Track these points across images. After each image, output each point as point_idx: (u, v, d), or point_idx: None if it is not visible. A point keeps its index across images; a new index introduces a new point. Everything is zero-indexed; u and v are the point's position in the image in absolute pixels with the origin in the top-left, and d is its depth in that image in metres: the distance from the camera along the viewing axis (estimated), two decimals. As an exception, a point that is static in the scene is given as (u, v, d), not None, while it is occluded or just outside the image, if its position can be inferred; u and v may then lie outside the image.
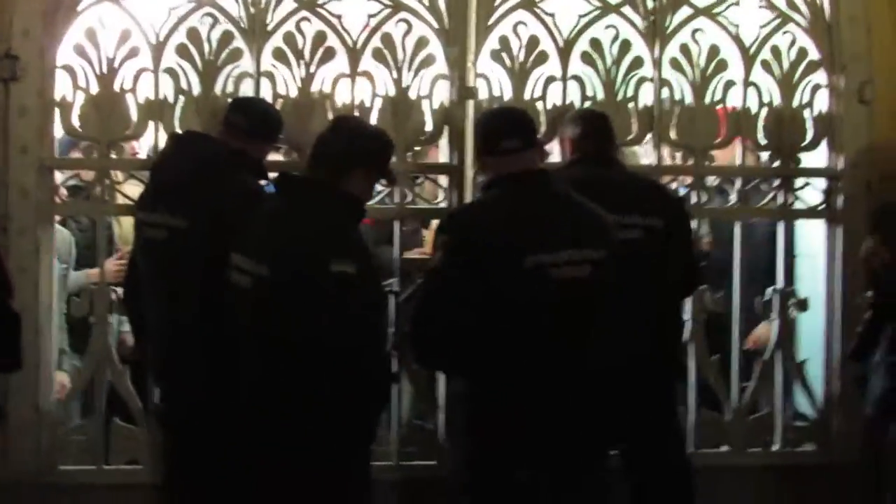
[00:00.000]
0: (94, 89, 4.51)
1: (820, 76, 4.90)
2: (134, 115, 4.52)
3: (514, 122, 3.69)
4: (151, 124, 4.53)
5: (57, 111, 4.51)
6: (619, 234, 3.63)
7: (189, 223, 3.85)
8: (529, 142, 3.64)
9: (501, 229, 3.43)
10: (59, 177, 4.64)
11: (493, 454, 3.49)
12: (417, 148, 4.71)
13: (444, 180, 4.74)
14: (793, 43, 4.87)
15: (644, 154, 5.19)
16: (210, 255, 3.68)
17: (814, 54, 4.89)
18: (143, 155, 4.97)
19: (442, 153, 4.86)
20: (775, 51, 4.87)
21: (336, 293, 3.32)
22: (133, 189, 4.52)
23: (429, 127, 4.67)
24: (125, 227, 5.06)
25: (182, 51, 4.54)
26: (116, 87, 4.51)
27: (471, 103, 4.65)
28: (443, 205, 4.73)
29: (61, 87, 4.51)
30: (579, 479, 3.58)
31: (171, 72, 4.54)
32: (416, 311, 3.55)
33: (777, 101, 4.88)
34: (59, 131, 4.58)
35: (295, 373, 3.38)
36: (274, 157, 4.60)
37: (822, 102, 4.91)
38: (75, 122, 4.51)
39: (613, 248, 3.55)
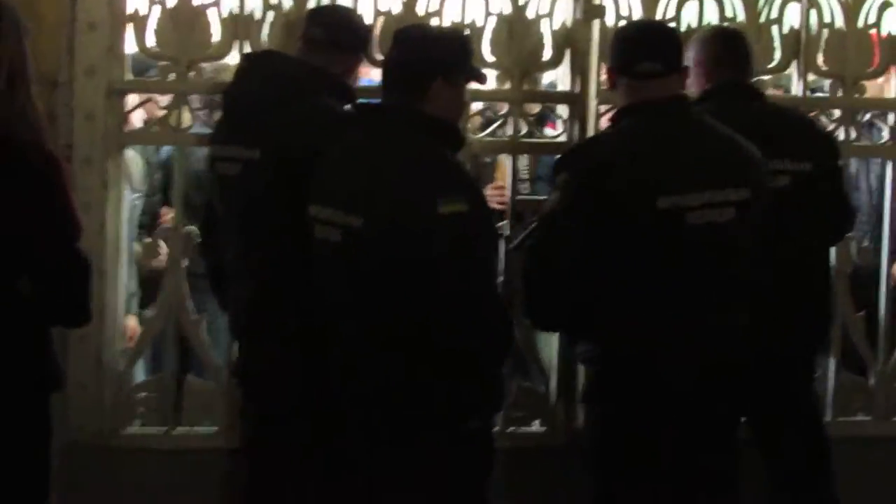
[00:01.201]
0: (172, 2, 4.00)
1: None
2: (217, 32, 4.04)
3: (658, 41, 3.31)
4: (237, 43, 4.04)
5: (129, 27, 4.02)
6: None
7: (264, 155, 3.41)
8: (673, 65, 3.25)
9: (631, 166, 3.09)
10: (130, 101, 4.16)
11: (629, 419, 3.20)
12: (536, 73, 4.27)
13: (563, 110, 4.26)
14: None
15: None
16: (290, 191, 3.24)
17: None
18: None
19: (561, 81, 4.37)
20: (933, -36, 4.37)
21: (449, 238, 2.86)
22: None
23: (548, 50, 4.19)
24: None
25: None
26: (197, 1, 4.02)
27: (596, 23, 4.16)
28: (562, 138, 4.24)
29: (135, -1, 4.03)
30: (719, 442, 3.32)
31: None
32: (530, 263, 3.21)
33: None
34: (131, 50, 4.09)
35: (404, 333, 2.93)
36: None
37: None
38: (150, 39, 4.02)
39: (760, 187, 3.19)
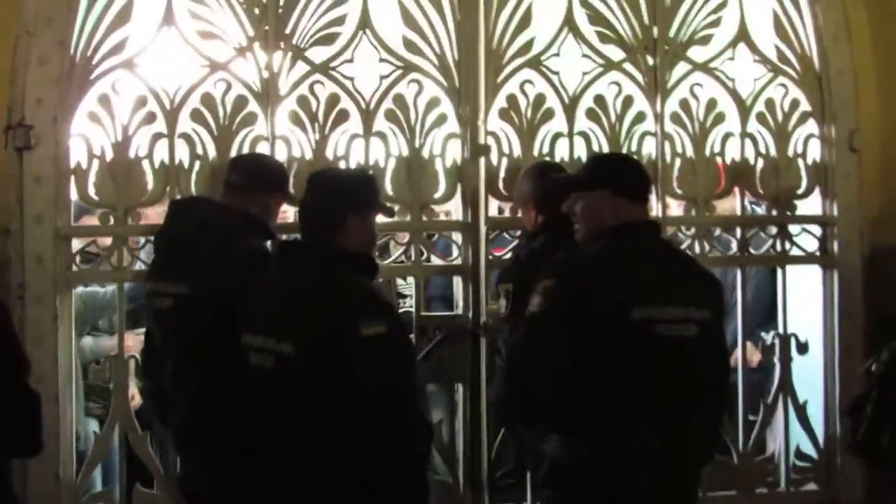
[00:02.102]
0: (109, 156, 4.50)
1: (812, 126, 5.07)
2: (150, 181, 4.51)
3: (645, 172, 3.75)
4: (168, 189, 4.52)
5: (72, 179, 4.49)
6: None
7: (193, 289, 3.82)
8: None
9: (613, 280, 3.36)
10: (75, 244, 4.60)
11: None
12: (432, 206, 4.76)
13: (458, 237, 4.78)
14: (786, 95, 5.04)
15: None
16: (218, 320, 3.63)
17: (805, 105, 5.06)
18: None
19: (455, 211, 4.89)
20: (769, 103, 5.03)
21: (371, 358, 3.15)
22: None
23: (442, 185, 4.71)
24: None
25: (197, 116, 4.55)
26: (132, 154, 4.51)
27: (482, 161, 4.72)
28: (457, 262, 4.76)
29: (76, 154, 4.49)
30: None
31: (186, 137, 4.54)
32: (514, 361, 3.45)
33: (773, 151, 5.03)
34: (74, 199, 4.56)
35: (334, 448, 3.17)
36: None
37: (814, 151, 5.08)
38: (91, 189, 4.49)
39: (719, 308, 3.56)
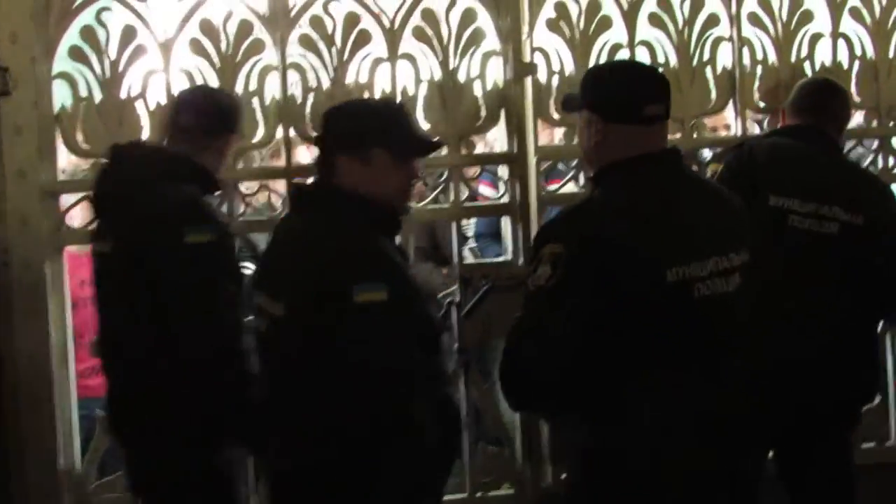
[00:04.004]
0: (98, 98, 3.95)
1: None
2: (146, 124, 3.97)
3: (660, 82, 2.84)
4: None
5: (57, 127, 3.95)
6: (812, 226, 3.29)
7: (114, 248, 3.30)
8: (668, 110, 2.80)
9: (639, 232, 2.62)
10: (65, 201, 4.05)
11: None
12: (472, 137, 4.20)
13: (504, 171, 4.21)
14: None
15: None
16: (140, 282, 3.14)
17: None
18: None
19: (499, 141, 4.31)
20: (866, -6, 4.37)
21: (365, 331, 2.64)
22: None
23: (483, 112, 4.14)
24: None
25: (196, 47, 3.99)
26: (123, 94, 3.95)
27: (529, 81, 4.13)
28: (504, 199, 4.20)
29: (59, 98, 3.96)
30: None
31: (184, 71, 4.00)
32: (515, 346, 2.63)
33: (870, 53, 4.39)
34: (61, 149, 4.03)
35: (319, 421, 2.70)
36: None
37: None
38: (79, 137, 3.95)
39: (755, 246, 2.84)
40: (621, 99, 2.73)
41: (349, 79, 4.06)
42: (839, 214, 3.56)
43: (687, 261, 2.61)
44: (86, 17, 3.95)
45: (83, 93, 3.94)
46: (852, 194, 3.61)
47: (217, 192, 3.42)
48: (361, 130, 2.85)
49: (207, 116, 3.41)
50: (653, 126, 2.72)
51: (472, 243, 5.02)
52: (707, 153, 4.49)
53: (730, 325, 2.72)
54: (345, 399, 2.62)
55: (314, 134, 3.65)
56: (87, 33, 3.94)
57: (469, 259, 4.55)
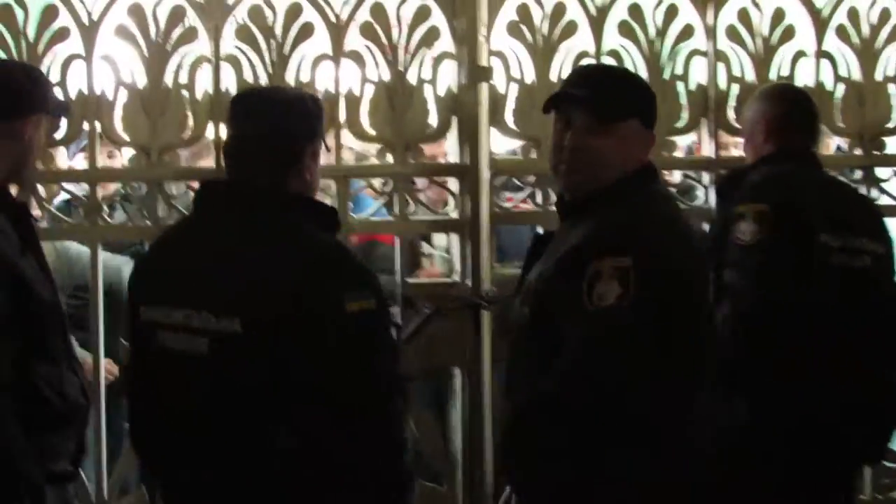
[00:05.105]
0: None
1: (908, 42, 4.11)
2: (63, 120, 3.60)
3: None
4: (86, 126, 3.69)
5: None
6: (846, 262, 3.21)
7: None
8: None
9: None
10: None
11: None
12: (421, 145, 3.86)
13: (454, 184, 3.89)
14: (874, 2, 4.08)
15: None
16: None
17: (899, 15, 4.10)
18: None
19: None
20: (853, 14, 4.07)
21: (357, 340, 2.39)
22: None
23: (433, 118, 3.83)
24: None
25: (122, 32, 3.67)
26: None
27: (484, 87, 3.82)
28: (454, 214, 3.87)
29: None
30: None
31: (108, 59, 3.69)
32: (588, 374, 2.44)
33: (856, 75, 4.09)
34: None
35: (282, 445, 2.40)
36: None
37: (911, 74, 4.13)
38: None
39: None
40: (653, 103, 2.70)
41: (289, 75, 3.74)
42: (867, 245, 3.30)
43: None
44: (0, -3, 3.65)
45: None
46: (871, 222, 3.39)
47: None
48: (320, 119, 2.63)
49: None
50: None
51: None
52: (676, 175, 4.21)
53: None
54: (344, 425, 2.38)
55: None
56: (4, 12, 3.63)
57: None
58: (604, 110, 2.57)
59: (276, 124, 2.54)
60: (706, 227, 3.89)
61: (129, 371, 2.75)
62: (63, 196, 4.05)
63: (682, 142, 4.48)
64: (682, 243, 2.55)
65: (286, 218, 2.49)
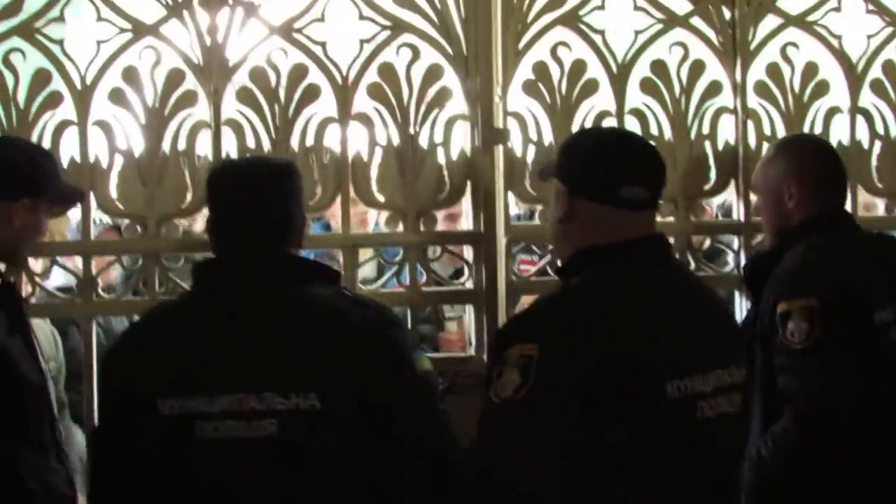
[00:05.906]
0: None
1: (948, 97, 3.90)
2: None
3: (649, 160, 2.45)
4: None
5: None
6: None
7: None
8: (658, 195, 2.44)
9: (630, 335, 2.22)
10: None
11: None
12: (433, 211, 3.68)
13: (468, 252, 3.69)
14: None
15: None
16: None
17: (938, 69, 3.89)
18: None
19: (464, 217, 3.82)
20: (889, 67, 3.87)
21: (431, 400, 2.47)
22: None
23: (446, 183, 3.65)
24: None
25: (117, 96, 3.52)
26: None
27: (500, 150, 3.63)
28: (468, 284, 3.67)
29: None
30: None
31: (103, 125, 3.52)
32: (484, 470, 2.27)
33: (894, 131, 3.88)
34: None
35: None
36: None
37: (952, 131, 3.91)
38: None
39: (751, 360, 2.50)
40: (595, 174, 2.37)
41: (294, 140, 3.57)
42: None
43: (688, 373, 2.23)
44: (-11, 57, 3.51)
45: (-19, 145, 3.44)
46: None
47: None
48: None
49: None
50: (637, 212, 2.36)
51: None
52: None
53: (732, 453, 2.40)
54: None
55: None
56: (-7, 76, 3.48)
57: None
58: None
59: (273, 195, 2.51)
60: (736, 294, 3.70)
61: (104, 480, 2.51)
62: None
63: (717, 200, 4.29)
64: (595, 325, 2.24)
65: (310, 284, 2.45)
